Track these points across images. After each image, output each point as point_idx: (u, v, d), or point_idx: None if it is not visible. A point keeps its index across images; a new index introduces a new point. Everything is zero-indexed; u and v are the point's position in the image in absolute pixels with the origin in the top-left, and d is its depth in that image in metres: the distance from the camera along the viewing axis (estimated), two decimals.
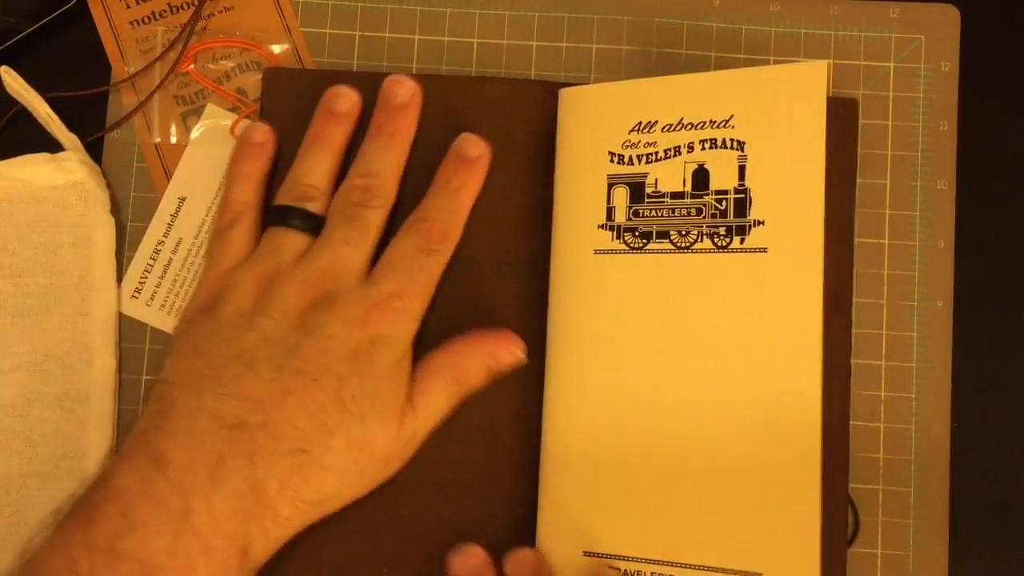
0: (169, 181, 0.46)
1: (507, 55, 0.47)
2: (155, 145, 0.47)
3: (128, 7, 0.47)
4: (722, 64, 0.46)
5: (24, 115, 0.46)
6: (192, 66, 0.47)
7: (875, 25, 0.47)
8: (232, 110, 0.47)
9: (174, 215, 0.46)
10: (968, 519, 0.44)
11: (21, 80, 0.45)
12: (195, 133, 0.47)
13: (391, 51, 0.47)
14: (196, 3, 0.46)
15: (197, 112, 0.47)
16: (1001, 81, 0.47)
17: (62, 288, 0.45)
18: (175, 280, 0.46)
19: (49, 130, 0.45)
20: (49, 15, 0.46)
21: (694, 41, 0.47)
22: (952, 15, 0.47)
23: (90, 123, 0.46)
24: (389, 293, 0.40)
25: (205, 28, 0.47)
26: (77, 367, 0.45)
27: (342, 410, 0.38)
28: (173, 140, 0.46)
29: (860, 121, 0.46)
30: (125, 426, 0.45)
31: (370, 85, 0.44)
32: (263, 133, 0.44)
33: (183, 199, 0.46)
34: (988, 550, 0.40)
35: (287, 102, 0.45)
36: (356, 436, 0.39)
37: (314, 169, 0.43)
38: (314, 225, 0.42)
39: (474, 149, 0.43)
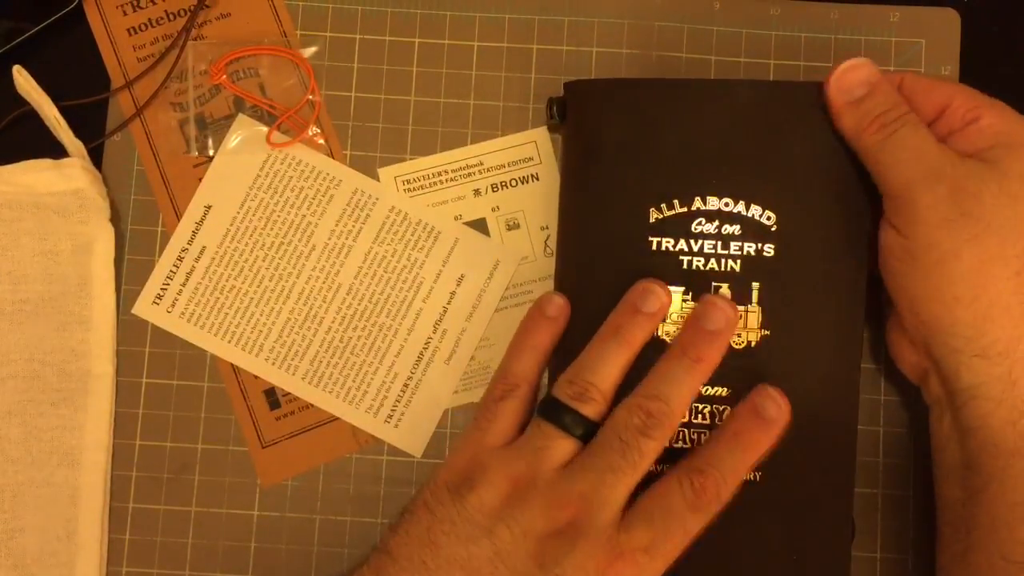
0: (167, 187, 0.46)
1: (507, 58, 0.47)
2: (153, 152, 0.46)
3: (125, 14, 0.47)
4: (722, 67, 0.46)
5: (23, 119, 0.46)
6: (224, 77, 0.46)
7: (875, 29, 0.47)
8: (252, 115, 0.46)
9: (199, 223, 0.46)
10: None
11: (32, 81, 0.45)
12: (232, 143, 0.46)
13: (391, 54, 0.47)
14: (192, 10, 0.46)
15: (197, 120, 0.46)
16: (1001, 84, 0.47)
17: (60, 295, 0.45)
18: (196, 288, 0.46)
19: (56, 134, 0.45)
20: (49, 18, 0.46)
21: (695, 45, 0.47)
22: (952, 19, 0.47)
23: (90, 126, 0.46)
24: (638, 547, 0.37)
25: (201, 35, 0.47)
26: (75, 374, 0.44)
27: None
28: (199, 153, 0.46)
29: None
30: (122, 431, 0.45)
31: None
32: (557, 308, 0.42)
33: (209, 207, 0.46)
34: None
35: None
36: None
37: (603, 367, 0.40)
38: (586, 432, 0.39)
39: (773, 409, 0.39)
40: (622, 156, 0.42)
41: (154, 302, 0.46)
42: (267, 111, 0.46)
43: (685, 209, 0.41)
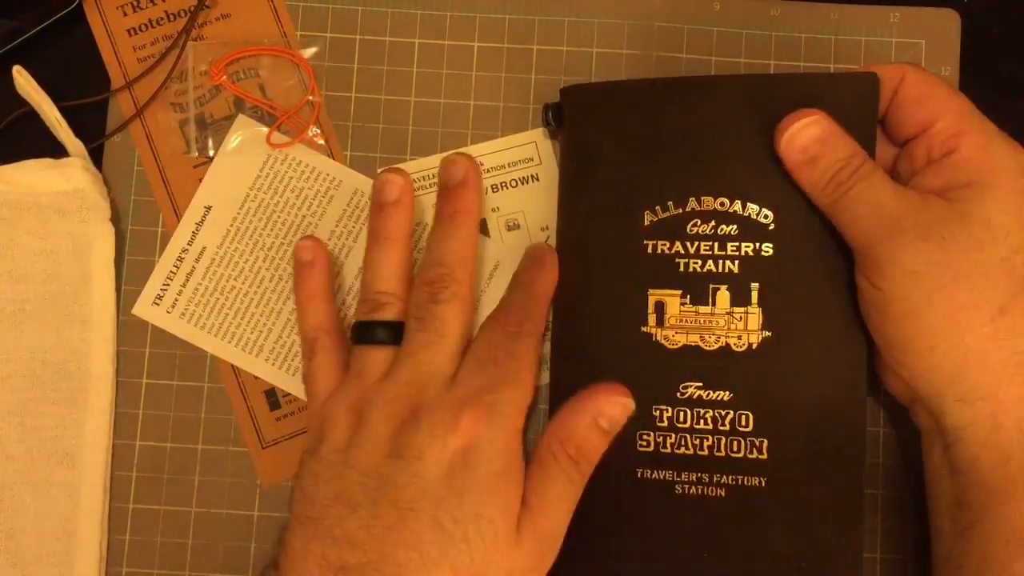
0: (167, 187, 0.46)
1: (507, 58, 0.47)
2: (153, 152, 0.46)
3: (125, 15, 0.47)
4: (723, 67, 0.46)
5: (23, 119, 0.46)
6: (224, 77, 0.46)
7: (875, 29, 0.47)
8: (253, 115, 0.46)
9: (199, 223, 0.46)
10: None
11: (33, 81, 0.45)
12: (232, 143, 0.46)
13: (391, 54, 0.47)
14: (192, 11, 0.46)
15: (197, 121, 0.46)
16: (1001, 85, 0.47)
17: (60, 294, 0.45)
18: (196, 288, 0.46)
19: (56, 134, 0.45)
20: (50, 18, 0.46)
21: (695, 45, 0.47)
22: (952, 19, 0.47)
23: (91, 127, 0.46)
24: (478, 389, 0.38)
25: (201, 36, 0.47)
26: (74, 374, 0.44)
27: (442, 537, 0.36)
28: (199, 153, 0.46)
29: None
30: (122, 432, 0.45)
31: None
32: (309, 250, 0.43)
33: (209, 208, 0.46)
34: None
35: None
36: (463, 562, 0.36)
37: (381, 272, 0.42)
38: (394, 334, 0.40)
39: (540, 250, 0.43)
40: (615, 159, 0.42)
41: (154, 303, 0.46)
42: (267, 111, 0.46)
43: (680, 211, 0.41)
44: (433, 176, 0.46)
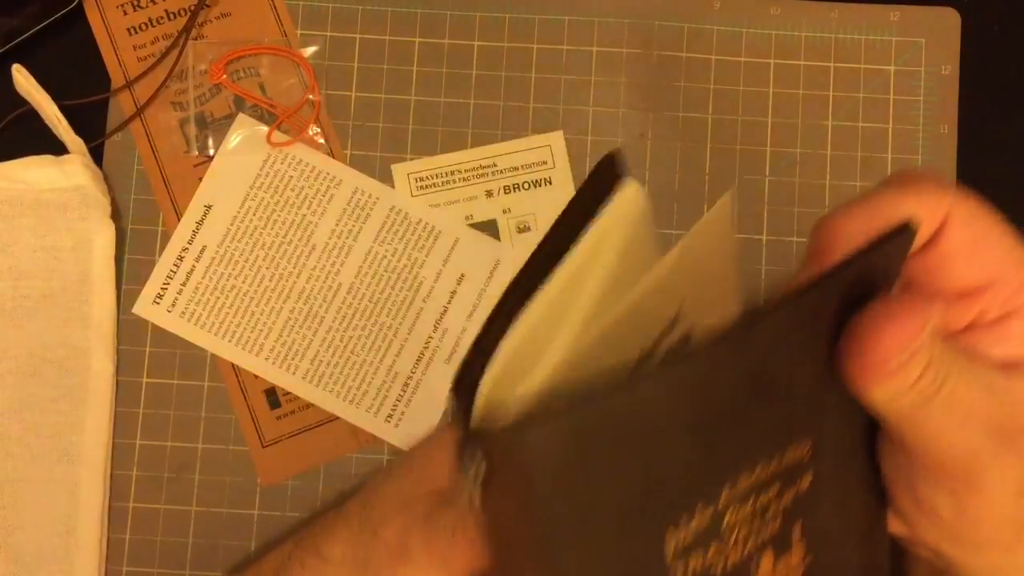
0: (167, 186, 0.46)
1: (507, 57, 0.47)
2: (153, 151, 0.46)
3: (125, 14, 0.47)
4: (722, 66, 0.46)
5: (23, 118, 0.46)
6: (224, 76, 0.46)
7: (875, 28, 0.47)
8: (253, 114, 0.46)
9: (199, 222, 0.46)
10: None
11: (32, 80, 0.45)
12: (232, 142, 0.46)
13: (392, 53, 0.47)
14: (192, 10, 0.46)
15: (197, 120, 0.46)
16: (1001, 84, 0.47)
17: (60, 291, 0.45)
18: (196, 288, 0.46)
19: (56, 132, 0.45)
20: (50, 18, 0.46)
21: (695, 44, 0.47)
22: (952, 18, 0.47)
23: (91, 126, 0.46)
24: None
25: (201, 35, 0.47)
26: (74, 370, 0.44)
27: None
28: (199, 152, 0.46)
29: (860, 124, 0.46)
30: (122, 431, 0.45)
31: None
32: None
33: (209, 207, 0.46)
34: None
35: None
36: None
37: None
38: None
39: None
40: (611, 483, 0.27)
41: (154, 301, 0.46)
42: (267, 111, 0.46)
43: (712, 508, 0.28)
44: (447, 175, 0.46)
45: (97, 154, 0.46)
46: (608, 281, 0.27)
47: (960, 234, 0.26)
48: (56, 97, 0.45)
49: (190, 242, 0.46)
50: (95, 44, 0.47)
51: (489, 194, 0.46)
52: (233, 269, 0.46)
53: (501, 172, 0.46)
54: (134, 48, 0.47)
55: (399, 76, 0.47)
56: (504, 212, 0.46)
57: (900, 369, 0.25)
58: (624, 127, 0.47)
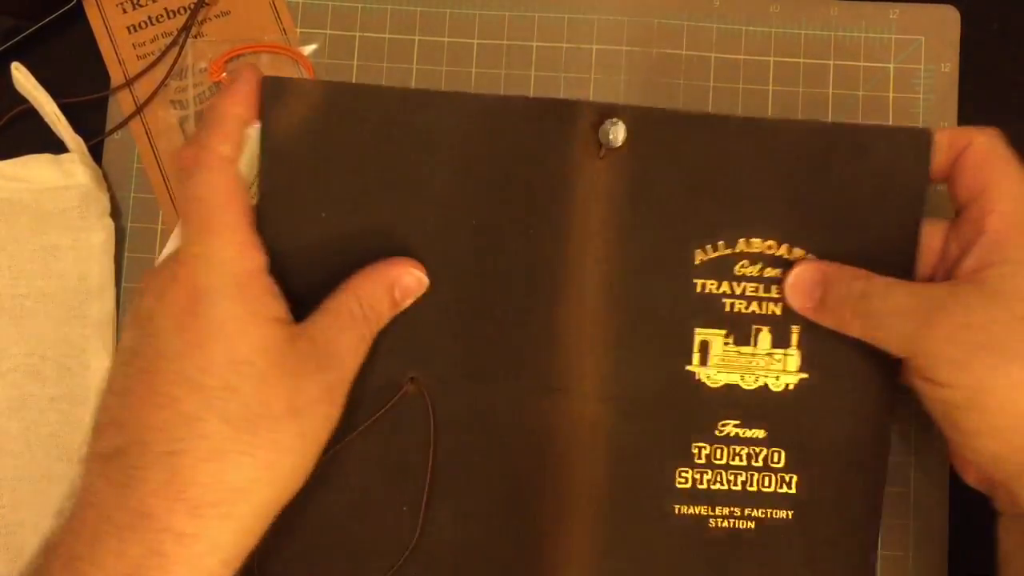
0: (167, 185, 0.46)
1: (507, 56, 0.47)
2: (153, 150, 0.46)
3: (124, 12, 0.47)
4: (722, 65, 0.46)
5: (23, 116, 0.46)
6: (224, 74, 0.46)
7: (875, 26, 0.47)
8: None
9: None
10: (967, 520, 0.44)
11: (31, 78, 0.45)
12: None
13: (391, 52, 0.47)
14: (192, 8, 0.46)
15: (197, 118, 0.46)
16: (1001, 82, 0.47)
17: (60, 290, 0.45)
18: None
19: (56, 131, 0.45)
20: (49, 16, 0.46)
21: (694, 42, 0.47)
22: (952, 16, 0.47)
23: (91, 124, 0.46)
24: (185, 244, 0.36)
25: (201, 33, 0.47)
26: (74, 369, 0.44)
27: (196, 391, 0.34)
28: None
29: (860, 121, 0.46)
30: None
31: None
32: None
33: None
34: (987, 551, 0.40)
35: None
36: (232, 410, 0.34)
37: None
38: None
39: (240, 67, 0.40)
40: (668, 192, 0.41)
41: None
42: None
43: (729, 251, 0.41)
44: None
45: (96, 152, 0.46)
46: None
47: (973, 153, 0.38)
48: (55, 95, 0.45)
49: None
50: (94, 42, 0.47)
51: None
52: None
53: None
54: (133, 46, 0.47)
55: (399, 74, 0.47)
56: None
57: (824, 299, 0.40)
58: None
